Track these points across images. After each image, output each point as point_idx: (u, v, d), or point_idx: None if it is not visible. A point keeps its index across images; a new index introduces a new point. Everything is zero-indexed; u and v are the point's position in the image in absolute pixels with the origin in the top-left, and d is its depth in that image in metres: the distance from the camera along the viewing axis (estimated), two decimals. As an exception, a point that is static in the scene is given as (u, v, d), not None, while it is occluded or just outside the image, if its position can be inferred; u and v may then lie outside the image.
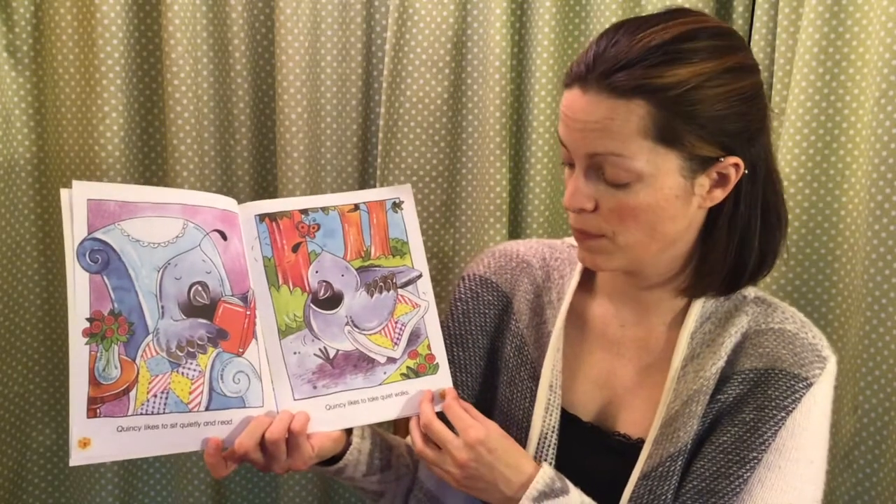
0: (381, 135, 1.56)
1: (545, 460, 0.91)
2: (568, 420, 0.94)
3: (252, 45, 1.57)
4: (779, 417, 0.85)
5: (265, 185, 1.63)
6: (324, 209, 0.94)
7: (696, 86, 0.78)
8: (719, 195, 0.85)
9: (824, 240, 1.36)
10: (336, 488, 1.68)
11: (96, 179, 1.51)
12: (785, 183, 1.34)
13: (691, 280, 0.91)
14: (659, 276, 0.92)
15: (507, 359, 0.98)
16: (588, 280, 0.99)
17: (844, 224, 1.34)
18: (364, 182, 1.64)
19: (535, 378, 0.95)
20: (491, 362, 0.99)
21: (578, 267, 0.98)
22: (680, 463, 0.86)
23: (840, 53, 1.32)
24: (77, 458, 0.80)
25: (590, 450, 0.92)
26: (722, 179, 0.84)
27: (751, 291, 0.93)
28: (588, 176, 0.83)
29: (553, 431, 0.92)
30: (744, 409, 0.86)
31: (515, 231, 1.57)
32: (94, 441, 0.80)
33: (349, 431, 0.94)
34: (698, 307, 0.91)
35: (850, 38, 1.31)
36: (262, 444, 0.84)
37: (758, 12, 1.40)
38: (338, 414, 0.90)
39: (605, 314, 0.96)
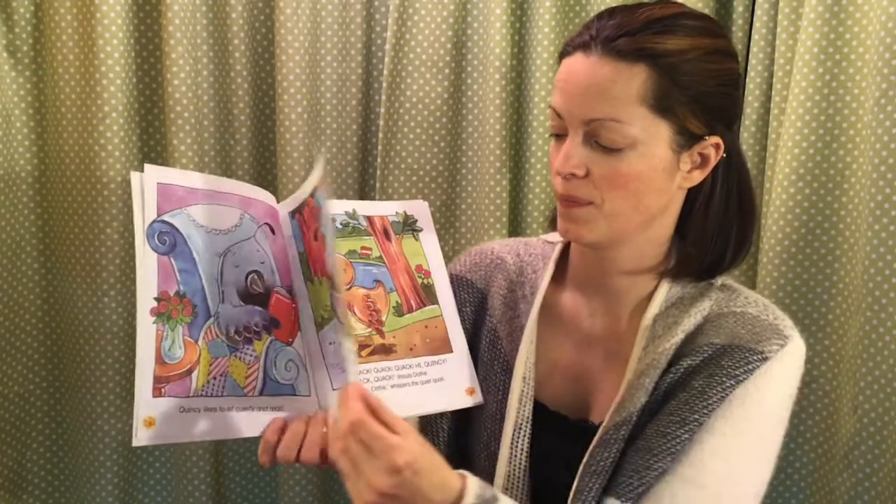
0: (381, 135, 1.56)
1: (520, 451, 0.92)
2: (541, 411, 0.95)
3: (252, 45, 1.57)
4: (727, 385, 0.84)
5: (265, 186, 1.62)
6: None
7: (693, 57, 0.83)
8: (698, 176, 0.88)
9: (824, 240, 1.36)
10: (336, 488, 1.68)
11: (96, 179, 1.51)
12: (785, 183, 1.35)
13: (670, 265, 0.92)
14: (634, 260, 0.92)
15: (482, 354, 0.99)
16: (560, 273, 1.00)
17: (844, 224, 1.34)
18: (364, 182, 1.64)
19: (509, 371, 0.96)
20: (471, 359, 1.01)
21: (551, 260, 1.00)
22: (623, 432, 0.86)
23: (840, 53, 1.32)
24: (142, 437, 0.80)
25: (563, 440, 0.92)
26: (702, 161, 0.87)
27: (718, 279, 0.94)
28: (582, 142, 0.85)
29: (527, 422, 0.93)
30: (695, 378, 0.85)
31: (515, 231, 1.57)
32: (158, 421, 0.81)
33: None
34: (663, 293, 0.92)
35: (850, 38, 1.31)
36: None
37: (758, 12, 1.40)
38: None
39: (576, 305, 0.97)
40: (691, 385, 0.85)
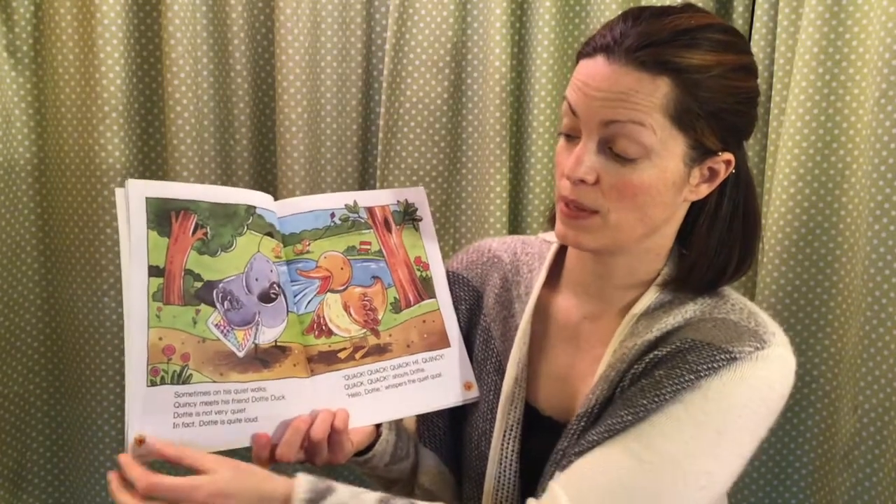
0: (381, 135, 1.56)
1: (510, 453, 0.92)
2: (532, 414, 0.95)
3: (252, 45, 1.57)
4: (685, 378, 0.81)
5: (265, 186, 1.63)
6: None
7: (717, 74, 0.81)
8: (704, 190, 0.87)
9: (824, 240, 1.36)
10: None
11: (96, 179, 1.51)
12: (785, 183, 1.35)
13: (667, 278, 0.91)
14: (630, 270, 0.91)
15: (476, 353, 0.99)
16: (555, 274, 0.99)
17: (844, 224, 1.34)
18: (364, 182, 1.64)
19: (501, 371, 0.96)
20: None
21: (546, 261, 0.99)
22: (583, 423, 0.86)
23: (840, 53, 1.32)
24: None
25: (553, 443, 0.90)
26: (711, 175, 0.86)
27: None
28: (596, 148, 0.83)
29: (518, 424, 0.93)
30: (659, 368, 0.83)
31: (515, 231, 1.57)
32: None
33: (378, 423, 0.97)
34: (652, 295, 0.90)
35: (850, 38, 1.31)
36: (304, 441, 0.87)
37: (758, 12, 1.40)
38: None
39: (569, 308, 0.97)
40: (652, 374, 0.83)
